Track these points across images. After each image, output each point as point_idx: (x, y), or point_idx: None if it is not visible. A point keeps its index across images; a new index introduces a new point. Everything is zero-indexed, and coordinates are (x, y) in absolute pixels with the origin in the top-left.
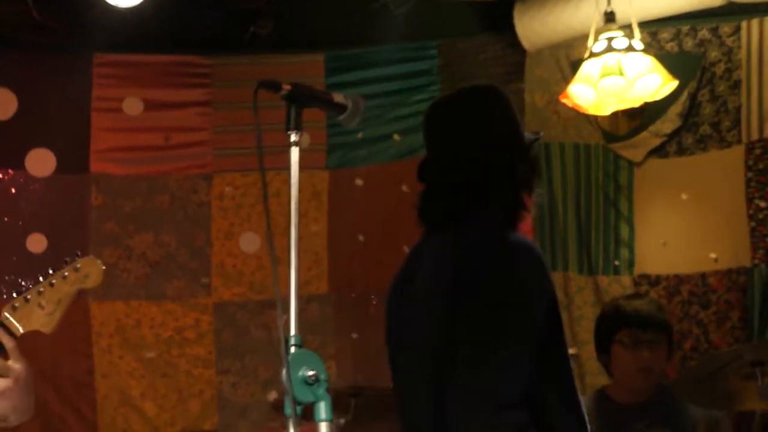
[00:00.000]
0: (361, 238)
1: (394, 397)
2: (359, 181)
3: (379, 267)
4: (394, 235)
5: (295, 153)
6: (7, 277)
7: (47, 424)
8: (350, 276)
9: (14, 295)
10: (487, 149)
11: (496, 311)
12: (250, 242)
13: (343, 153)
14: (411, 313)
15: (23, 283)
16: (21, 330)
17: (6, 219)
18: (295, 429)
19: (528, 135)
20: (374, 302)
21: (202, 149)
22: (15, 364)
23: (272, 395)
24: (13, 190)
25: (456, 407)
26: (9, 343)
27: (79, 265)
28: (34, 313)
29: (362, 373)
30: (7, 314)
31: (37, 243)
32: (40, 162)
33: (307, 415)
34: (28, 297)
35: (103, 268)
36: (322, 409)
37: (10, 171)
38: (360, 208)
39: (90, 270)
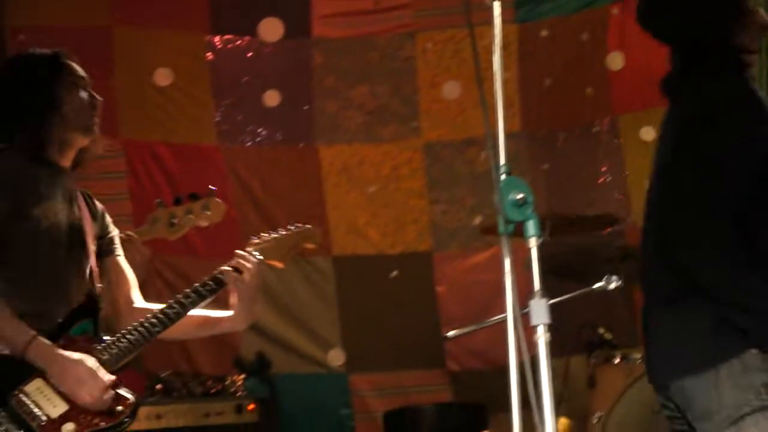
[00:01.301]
0: (547, 82)
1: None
2: (544, 32)
3: (564, 107)
4: (576, 78)
5: (497, 6)
6: (248, 128)
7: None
8: (539, 115)
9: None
10: (709, 20)
11: None
12: (451, 90)
13: (529, 8)
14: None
15: (261, 132)
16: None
17: (245, 79)
18: (507, 244)
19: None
20: (561, 138)
21: (405, 12)
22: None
23: (478, 220)
24: (249, 54)
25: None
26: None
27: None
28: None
29: (554, 198)
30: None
31: (272, 98)
32: (270, 29)
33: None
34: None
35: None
36: (531, 226)
37: (247, 37)
38: (545, 55)
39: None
